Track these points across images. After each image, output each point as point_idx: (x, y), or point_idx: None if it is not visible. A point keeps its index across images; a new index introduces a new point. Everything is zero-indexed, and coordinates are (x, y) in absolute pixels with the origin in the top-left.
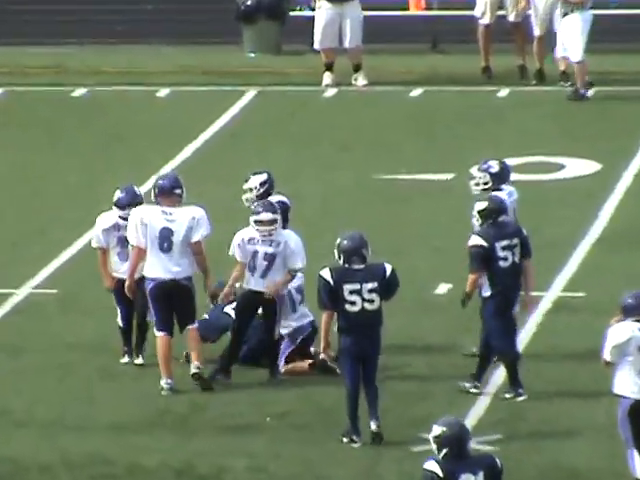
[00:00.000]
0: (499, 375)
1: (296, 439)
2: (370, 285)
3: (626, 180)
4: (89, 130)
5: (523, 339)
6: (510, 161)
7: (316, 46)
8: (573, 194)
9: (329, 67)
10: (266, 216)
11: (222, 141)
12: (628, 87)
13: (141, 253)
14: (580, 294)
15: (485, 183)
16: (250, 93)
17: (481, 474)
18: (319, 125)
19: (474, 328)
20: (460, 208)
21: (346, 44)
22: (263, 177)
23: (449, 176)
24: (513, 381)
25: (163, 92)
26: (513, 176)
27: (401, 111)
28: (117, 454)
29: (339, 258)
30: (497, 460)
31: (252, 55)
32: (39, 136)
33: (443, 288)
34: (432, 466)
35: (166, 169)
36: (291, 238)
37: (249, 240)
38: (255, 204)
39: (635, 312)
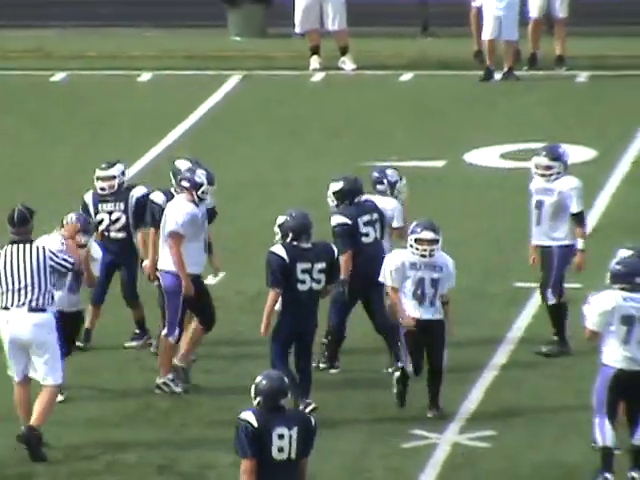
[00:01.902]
0: (491, 373)
1: None
2: (320, 265)
3: (623, 167)
4: (70, 116)
5: (521, 327)
6: (503, 148)
7: (297, 29)
8: None
9: (315, 51)
10: (427, 235)
11: (206, 127)
12: (624, 71)
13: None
14: (577, 285)
15: (558, 173)
16: (235, 77)
17: (295, 429)
18: (306, 110)
19: (473, 320)
20: (451, 195)
21: (329, 26)
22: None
23: (440, 163)
24: (330, 357)
25: (146, 77)
26: (507, 163)
27: (391, 96)
28: (97, 450)
29: (285, 236)
30: (312, 419)
31: (237, 39)
32: (19, 121)
33: None
34: (247, 416)
35: (149, 155)
36: (449, 261)
37: (411, 265)
38: (415, 223)
39: (622, 279)
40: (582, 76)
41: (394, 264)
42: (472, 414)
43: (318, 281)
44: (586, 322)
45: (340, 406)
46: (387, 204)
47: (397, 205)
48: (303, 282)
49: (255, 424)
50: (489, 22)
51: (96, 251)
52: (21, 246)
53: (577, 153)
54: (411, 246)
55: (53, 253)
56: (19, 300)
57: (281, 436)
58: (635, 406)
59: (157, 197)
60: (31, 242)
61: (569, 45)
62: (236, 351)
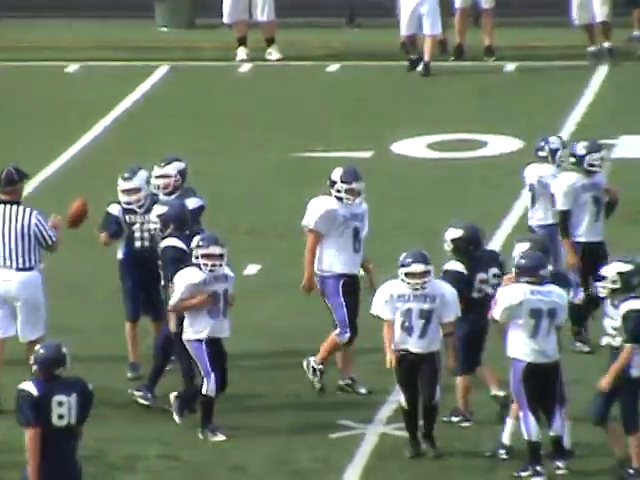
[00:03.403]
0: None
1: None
2: None
3: None
4: None
5: None
6: (430, 138)
7: (225, 20)
8: (495, 172)
9: (242, 41)
10: (418, 267)
11: (134, 117)
12: (551, 62)
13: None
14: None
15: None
16: (163, 68)
17: (74, 396)
18: (234, 101)
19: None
20: (379, 185)
21: (258, 17)
22: (182, 165)
23: (368, 153)
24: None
25: (73, 68)
26: (434, 154)
27: (318, 87)
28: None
29: (166, 227)
30: (89, 385)
31: (164, 30)
32: None
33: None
34: (27, 386)
35: (78, 146)
36: (446, 289)
37: (399, 297)
38: (405, 254)
39: (528, 273)
40: (509, 67)
41: (383, 297)
42: (399, 404)
43: None
44: (493, 314)
45: (267, 397)
46: (544, 170)
47: (553, 172)
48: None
49: (35, 393)
50: (406, 17)
51: None
52: (8, 207)
53: (504, 144)
54: (402, 280)
55: (41, 222)
56: (6, 261)
57: (60, 403)
58: (547, 398)
59: (113, 209)
60: (19, 203)
61: (496, 36)
62: None
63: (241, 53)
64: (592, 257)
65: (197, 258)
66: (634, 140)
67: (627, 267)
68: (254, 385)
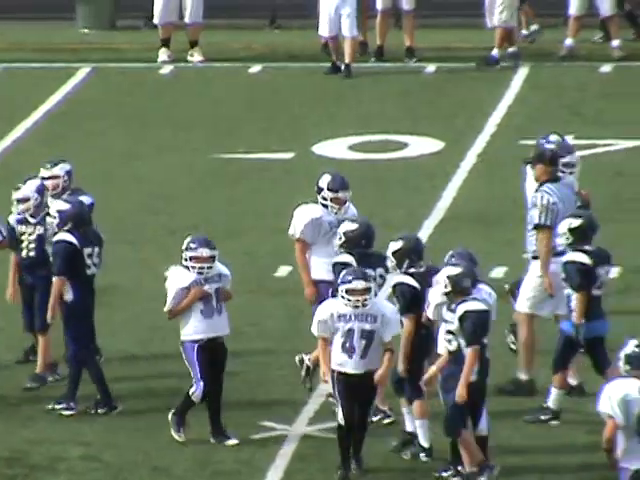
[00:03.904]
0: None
1: (131, 427)
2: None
3: (470, 159)
4: None
5: None
6: (351, 140)
7: (156, 21)
8: (416, 173)
9: (166, 43)
10: (359, 284)
11: (56, 119)
12: (471, 64)
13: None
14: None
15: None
16: (84, 70)
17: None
18: (156, 103)
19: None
20: (300, 186)
21: (186, 19)
22: (68, 166)
23: (289, 155)
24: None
25: None
26: (355, 155)
27: (240, 88)
28: None
29: (64, 224)
30: None
31: (86, 31)
32: None
33: (283, 271)
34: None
35: None
36: (387, 308)
37: (340, 316)
38: (345, 272)
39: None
40: (430, 68)
41: (323, 315)
42: (321, 405)
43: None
44: (427, 314)
45: None
46: None
47: None
48: (89, 267)
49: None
50: (325, 18)
51: None
52: None
53: (425, 145)
54: (342, 297)
55: None
56: None
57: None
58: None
59: (11, 218)
60: None
61: (417, 37)
62: None
63: (163, 54)
64: None
65: (186, 260)
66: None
67: (456, 270)
68: (178, 386)
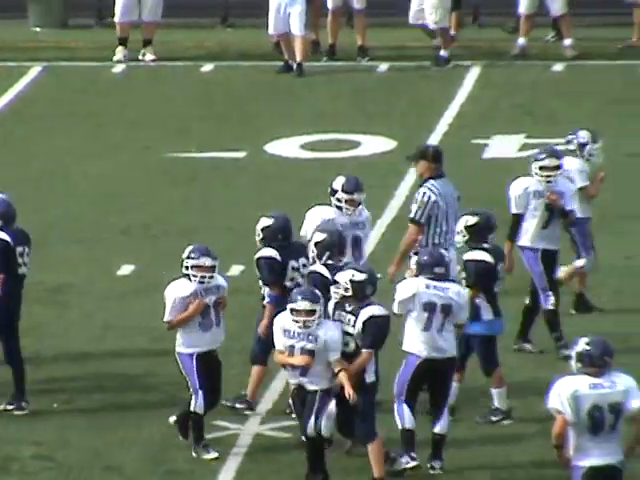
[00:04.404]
0: None
1: (84, 426)
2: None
3: None
4: None
5: None
6: (304, 139)
7: (117, 19)
8: (369, 172)
9: (123, 42)
10: (304, 305)
11: (8, 118)
12: (423, 62)
13: None
14: (377, 275)
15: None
16: (36, 68)
17: None
18: (108, 102)
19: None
20: (252, 185)
21: (145, 18)
22: None
23: (241, 154)
24: None
25: None
26: (307, 154)
27: (192, 87)
28: None
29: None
30: None
31: (37, 29)
32: None
33: (235, 270)
34: None
35: None
36: (329, 328)
37: (285, 331)
38: (294, 291)
39: (428, 269)
40: (382, 67)
41: (278, 327)
42: (274, 404)
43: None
44: (392, 307)
45: (143, 396)
46: (570, 164)
47: (578, 166)
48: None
49: None
50: (274, 17)
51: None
52: None
53: (378, 144)
54: (291, 313)
55: None
56: None
57: None
58: (437, 394)
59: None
60: None
61: (369, 36)
62: (35, 342)
63: (119, 53)
64: (548, 264)
65: (187, 269)
66: (506, 140)
67: (361, 276)
68: (129, 385)
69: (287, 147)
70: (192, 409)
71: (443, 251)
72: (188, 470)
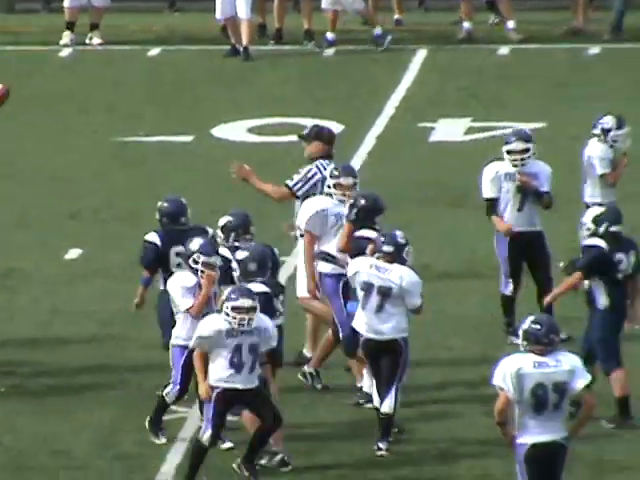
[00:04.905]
0: None
1: (31, 411)
2: None
3: (369, 141)
4: None
5: None
6: (251, 122)
7: (66, 4)
8: None
9: (71, 26)
10: (245, 302)
11: None
12: (370, 46)
13: None
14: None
15: (534, 153)
16: None
17: None
18: (55, 86)
19: None
20: (199, 169)
21: (94, 2)
22: None
23: (189, 137)
24: None
25: None
26: (254, 137)
27: (139, 71)
28: None
29: None
30: None
31: None
32: None
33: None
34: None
35: None
36: (268, 323)
37: (228, 332)
38: (231, 290)
39: (379, 248)
40: (329, 51)
41: (207, 331)
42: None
43: None
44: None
45: (91, 381)
46: (593, 149)
47: (599, 153)
48: None
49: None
50: (220, 1)
51: None
52: None
53: None
54: (227, 314)
55: None
56: None
57: None
58: (382, 373)
59: None
60: None
61: (315, 20)
62: None
63: (66, 37)
64: (518, 247)
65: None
66: (452, 123)
67: (243, 254)
68: (78, 370)
69: (234, 131)
70: (164, 393)
71: (399, 233)
72: (136, 454)
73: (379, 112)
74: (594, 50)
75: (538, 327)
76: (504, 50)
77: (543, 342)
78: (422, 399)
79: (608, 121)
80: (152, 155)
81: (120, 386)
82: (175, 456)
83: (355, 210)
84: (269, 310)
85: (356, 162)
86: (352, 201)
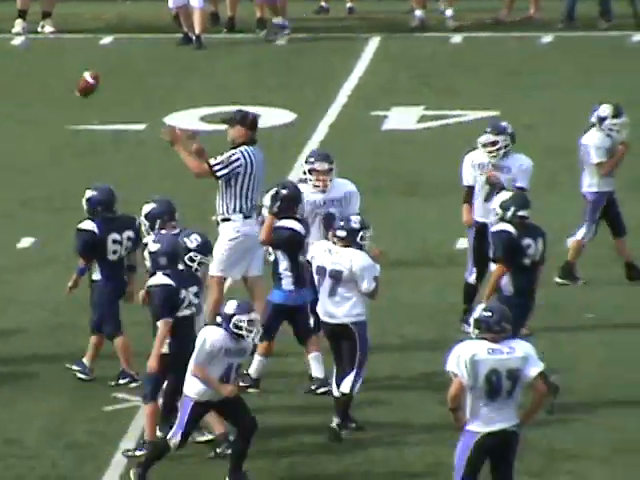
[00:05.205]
0: None
1: None
2: None
3: (321, 130)
4: None
5: None
6: (203, 111)
7: None
8: (268, 144)
9: (23, 14)
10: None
11: None
12: (322, 34)
13: None
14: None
15: (506, 146)
16: None
17: None
18: (6, 75)
19: None
20: (152, 157)
21: None
22: None
23: (141, 126)
24: None
25: None
26: (207, 126)
27: (91, 60)
28: None
29: None
30: None
31: None
32: None
33: None
34: None
35: None
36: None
37: (225, 351)
38: (238, 304)
39: (333, 232)
40: (282, 39)
41: (212, 347)
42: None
43: None
44: None
45: (43, 370)
46: (589, 137)
47: (596, 141)
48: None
49: None
50: None
51: None
52: None
53: (277, 116)
54: (239, 327)
55: None
56: None
57: None
58: (342, 355)
59: None
60: None
61: (268, 8)
62: None
63: (18, 26)
64: (484, 237)
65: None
66: (405, 111)
67: (155, 247)
68: (30, 359)
69: (187, 119)
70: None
71: (355, 217)
72: (87, 443)
73: (332, 100)
74: (547, 39)
75: (489, 315)
76: (457, 38)
77: (495, 330)
78: (375, 386)
79: (605, 109)
80: (105, 143)
81: (71, 375)
82: (127, 445)
83: (278, 202)
84: (174, 303)
85: (308, 150)
86: (273, 192)
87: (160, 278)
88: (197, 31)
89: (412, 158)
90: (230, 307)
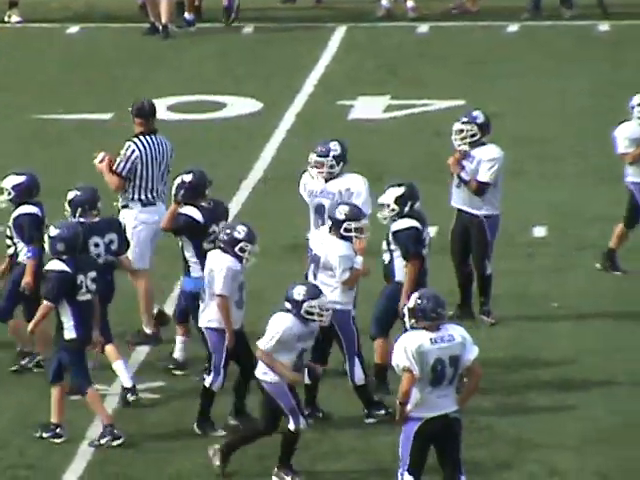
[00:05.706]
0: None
1: None
2: None
3: (288, 119)
4: None
5: None
6: (170, 100)
7: None
8: (235, 134)
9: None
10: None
11: None
12: (289, 24)
13: None
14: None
15: (473, 135)
16: None
17: None
18: None
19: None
20: (118, 147)
21: None
22: None
23: (108, 115)
24: None
25: None
26: (174, 115)
27: (58, 49)
28: None
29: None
30: None
31: None
32: None
33: None
34: None
35: None
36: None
37: (299, 337)
38: (306, 288)
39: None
40: (248, 28)
41: (286, 334)
42: (140, 366)
43: None
44: None
45: (10, 362)
46: (621, 130)
47: (626, 133)
48: None
49: None
50: None
51: None
52: None
53: (243, 105)
54: (311, 313)
55: None
56: None
57: None
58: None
59: None
60: None
61: None
62: None
63: None
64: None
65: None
66: (371, 101)
67: (55, 232)
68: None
69: None
70: (207, 384)
71: (342, 207)
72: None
73: (298, 90)
74: (513, 28)
75: (425, 302)
76: (423, 28)
77: (431, 317)
78: (340, 374)
79: (637, 98)
80: (71, 133)
81: (40, 365)
82: (94, 431)
83: (182, 190)
84: (68, 289)
85: (275, 140)
86: (179, 180)
87: (56, 264)
88: (164, 21)
89: (378, 147)
90: (299, 293)
